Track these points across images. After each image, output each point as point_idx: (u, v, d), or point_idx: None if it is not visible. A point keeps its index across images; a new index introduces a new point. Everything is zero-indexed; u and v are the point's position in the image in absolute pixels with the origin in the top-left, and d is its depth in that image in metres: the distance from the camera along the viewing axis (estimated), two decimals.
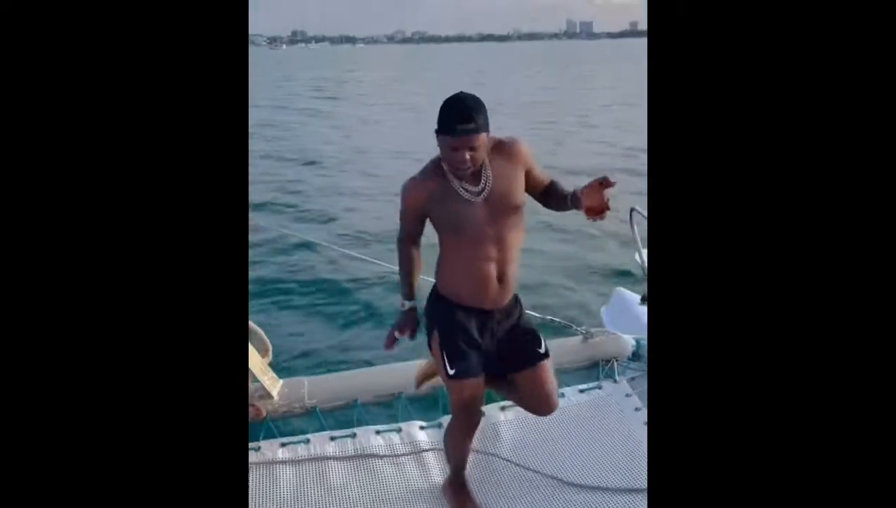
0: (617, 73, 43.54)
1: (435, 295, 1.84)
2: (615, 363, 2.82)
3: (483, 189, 1.67)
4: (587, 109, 21.43)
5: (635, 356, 2.90)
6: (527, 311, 1.94)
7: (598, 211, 1.62)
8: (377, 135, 16.96)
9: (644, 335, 2.96)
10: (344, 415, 2.59)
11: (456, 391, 1.84)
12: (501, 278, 1.74)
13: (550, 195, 1.80)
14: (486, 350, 1.83)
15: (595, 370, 2.84)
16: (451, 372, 1.79)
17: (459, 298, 1.78)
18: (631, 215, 3.00)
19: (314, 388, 2.57)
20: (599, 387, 2.68)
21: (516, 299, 1.86)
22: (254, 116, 19.52)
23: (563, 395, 2.61)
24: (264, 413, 2.43)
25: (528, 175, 1.76)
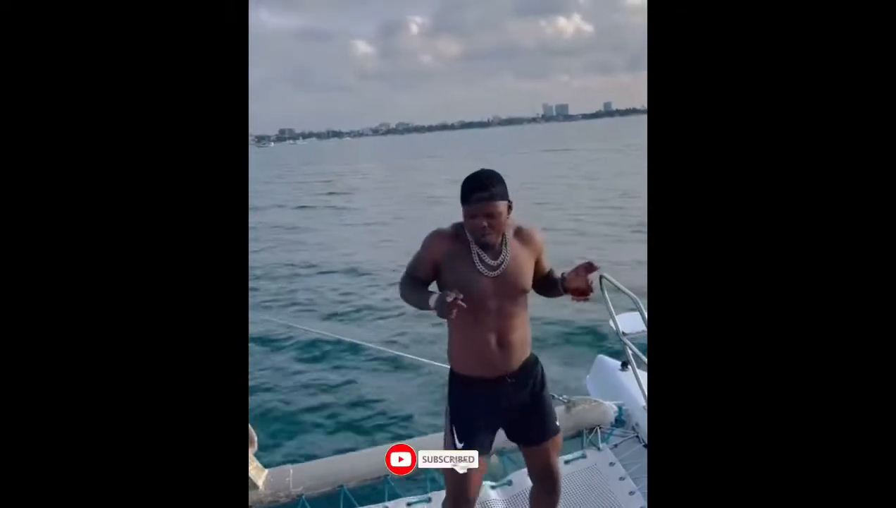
0: (615, 151, 42.60)
1: (450, 373, 1.90)
2: (598, 431, 2.84)
3: (499, 266, 1.76)
4: (624, 189, 19.66)
5: (618, 421, 2.92)
6: None
7: (581, 293, 1.77)
8: (417, 229, 15.16)
9: (625, 401, 3.00)
10: (330, 502, 2.56)
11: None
12: (503, 344, 1.78)
13: (546, 283, 1.90)
14: (507, 418, 1.85)
15: (579, 438, 2.86)
16: (460, 446, 1.82)
17: (466, 368, 1.83)
18: (601, 283, 3.11)
19: (299, 475, 2.55)
20: (584, 456, 2.69)
21: (535, 363, 1.88)
22: (268, 218, 18.56)
23: None
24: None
25: (536, 263, 1.85)
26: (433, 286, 1.84)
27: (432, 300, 1.71)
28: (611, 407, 2.95)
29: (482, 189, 1.69)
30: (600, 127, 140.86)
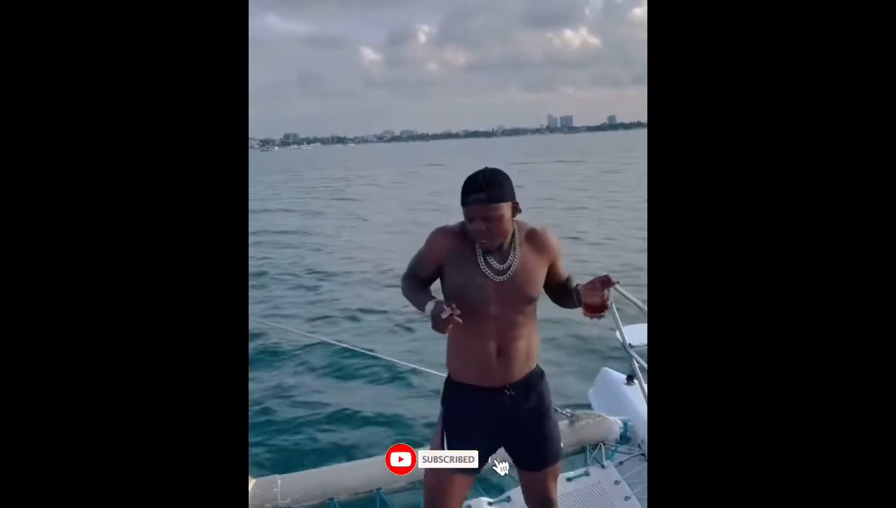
0: (628, 163, 40.17)
1: (446, 379, 1.77)
2: (602, 447, 2.72)
3: (506, 271, 1.61)
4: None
5: (623, 438, 2.80)
6: None
7: (596, 309, 1.54)
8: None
9: (630, 417, 2.88)
10: None
11: (436, 481, 1.71)
12: (503, 353, 1.64)
13: (562, 292, 1.72)
14: (506, 435, 1.71)
15: (582, 455, 2.74)
16: None
17: (463, 375, 1.70)
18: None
19: (287, 486, 2.43)
20: (587, 473, 2.57)
21: (540, 378, 1.73)
22: (283, 224, 17.98)
23: None
24: None
25: (550, 268, 1.70)
26: (437, 285, 1.72)
27: (428, 308, 1.59)
28: (615, 423, 2.82)
29: (478, 190, 1.55)
30: (606, 140, 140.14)
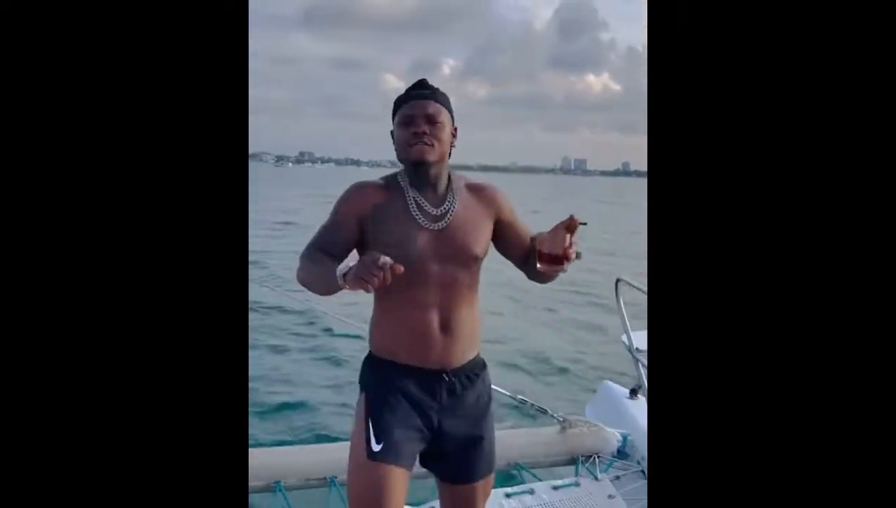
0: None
1: (368, 357, 1.44)
2: (597, 459, 2.37)
3: (444, 216, 1.36)
4: None
5: (621, 453, 2.46)
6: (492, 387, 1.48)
7: (555, 260, 1.24)
8: None
9: (631, 431, 2.54)
10: (262, 500, 2.11)
11: (372, 478, 1.30)
12: (446, 327, 1.34)
13: (530, 255, 1.40)
14: (429, 431, 1.36)
15: (572, 467, 2.40)
16: (377, 449, 1.31)
17: (395, 354, 1.37)
18: (617, 288, 2.68)
19: None
20: (577, 484, 2.23)
21: (483, 368, 1.43)
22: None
23: (531, 492, 2.17)
24: None
25: (501, 226, 1.44)
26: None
27: (340, 268, 1.18)
28: (613, 435, 2.49)
29: (424, 87, 1.40)
30: (619, 185, 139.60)
